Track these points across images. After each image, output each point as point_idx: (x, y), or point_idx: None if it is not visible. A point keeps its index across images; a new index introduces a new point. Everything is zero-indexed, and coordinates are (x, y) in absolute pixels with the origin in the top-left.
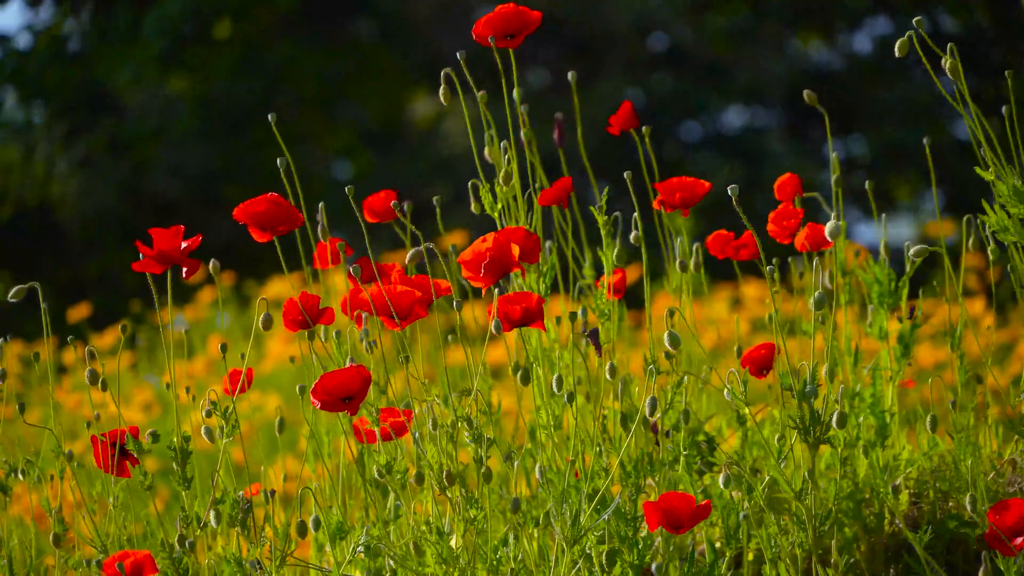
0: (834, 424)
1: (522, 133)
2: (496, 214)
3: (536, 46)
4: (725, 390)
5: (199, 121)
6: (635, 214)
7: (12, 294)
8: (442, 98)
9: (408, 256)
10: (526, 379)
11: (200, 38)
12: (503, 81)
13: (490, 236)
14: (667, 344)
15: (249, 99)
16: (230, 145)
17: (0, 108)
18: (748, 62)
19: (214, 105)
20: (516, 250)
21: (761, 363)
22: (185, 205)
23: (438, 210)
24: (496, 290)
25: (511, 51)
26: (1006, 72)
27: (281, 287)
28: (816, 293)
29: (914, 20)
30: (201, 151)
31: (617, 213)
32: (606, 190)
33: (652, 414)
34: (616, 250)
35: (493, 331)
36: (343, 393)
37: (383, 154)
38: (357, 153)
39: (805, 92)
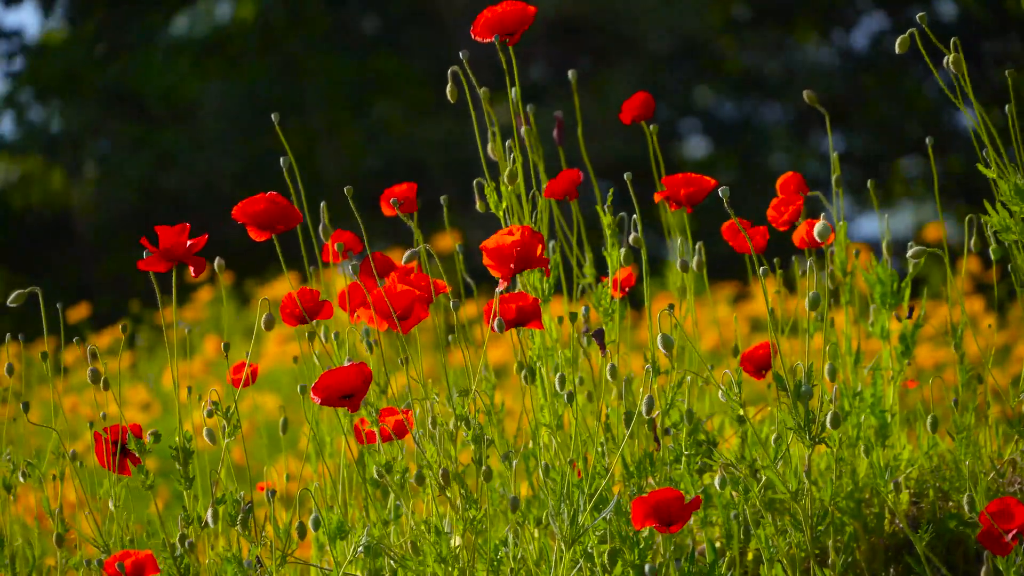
0: (828, 424)
1: (523, 130)
2: (501, 213)
3: (544, 45)
4: (720, 392)
5: (220, 124)
6: (635, 215)
7: (12, 299)
8: (449, 96)
9: (405, 256)
10: (531, 377)
11: (227, 45)
12: (507, 80)
13: (516, 228)
14: (660, 346)
15: (271, 101)
16: (250, 148)
17: (21, 112)
18: (750, 59)
19: (236, 108)
20: (540, 248)
21: (760, 363)
22: (202, 207)
23: (445, 210)
24: (496, 288)
25: (511, 48)
26: (1006, 72)
27: (283, 287)
28: (811, 293)
29: (918, 16)
30: (221, 153)
31: (623, 214)
32: (611, 191)
33: (649, 412)
34: (624, 251)
35: (495, 329)
36: (344, 391)
37: (402, 151)
38: (376, 151)
39: (805, 92)
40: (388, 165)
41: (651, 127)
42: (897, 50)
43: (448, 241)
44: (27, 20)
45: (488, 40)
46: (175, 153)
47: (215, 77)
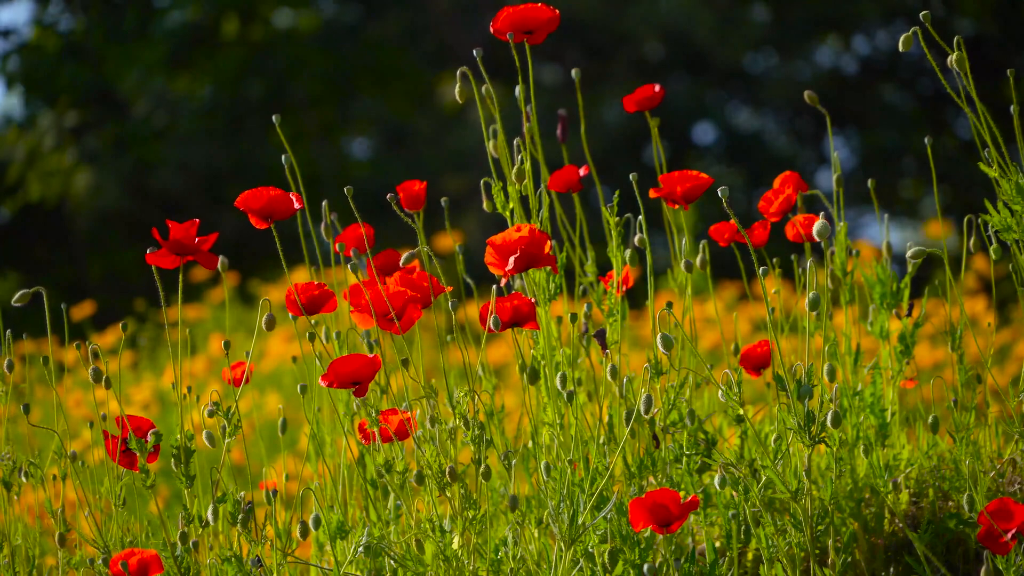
0: (828, 423)
1: (524, 129)
2: (507, 212)
3: (554, 46)
4: (720, 391)
5: (205, 121)
6: (639, 217)
7: (16, 298)
8: (457, 96)
9: (403, 258)
10: (534, 378)
11: (207, 40)
12: (519, 78)
13: (524, 226)
14: (659, 346)
15: (256, 98)
16: (237, 144)
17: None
18: (760, 65)
19: (220, 105)
20: (547, 246)
21: (758, 361)
22: (191, 204)
23: (446, 211)
24: (500, 284)
25: (528, 48)
26: (1008, 71)
27: (287, 286)
28: (811, 294)
29: (921, 14)
30: (207, 150)
31: (628, 215)
32: (617, 193)
33: (647, 412)
34: (629, 252)
35: (491, 328)
36: (353, 378)
37: (399, 148)
38: (371, 147)
39: (806, 93)
40: (380, 161)
41: (653, 120)
42: (901, 48)
43: (448, 241)
44: (18, 17)
45: (505, 36)
46: (159, 152)
47: (196, 72)
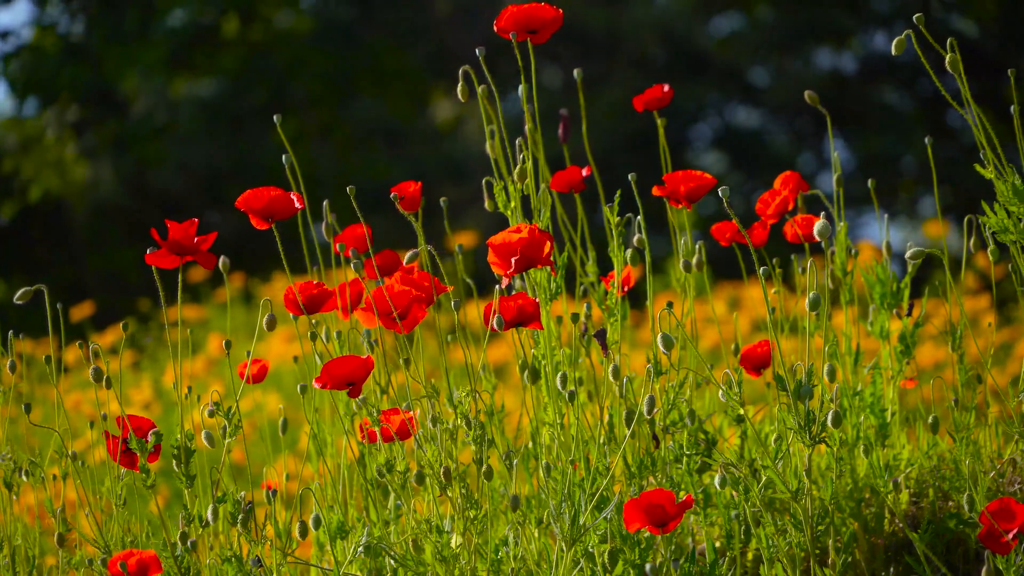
0: (829, 423)
1: (527, 128)
2: (509, 212)
3: (554, 47)
4: (720, 391)
5: (205, 121)
6: (639, 217)
7: (18, 296)
8: (459, 95)
9: (407, 257)
10: (535, 377)
11: (207, 40)
12: (522, 77)
13: (524, 226)
14: (660, 346)
15: (256, 98)
16: (237, 144)
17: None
18: (759, 66)
19: (221, 105)
20: (548, 246)
21: (758, 361)
22: (190, 203)
23: (444, 211)
24: (498, 286)
25: (531, 48)
26: (1009, 71)
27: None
28: (811, 294)
29: (914, 17)
30: (207, 150)
31: (629, 215)
32: (618, 192)
33: (650, 412)
34: (630, 253)
35: (495, 328)
36: (347, 379)
37: (398, 150)
38: (369, 149)
39: (806, 92)
40: (379, 163)
41: (660, 121)
42: (894, 51)
43: (447, 243)
44: (16, 18)
45: (508, 35)
46: (159, 151)
47: (197, 72)
